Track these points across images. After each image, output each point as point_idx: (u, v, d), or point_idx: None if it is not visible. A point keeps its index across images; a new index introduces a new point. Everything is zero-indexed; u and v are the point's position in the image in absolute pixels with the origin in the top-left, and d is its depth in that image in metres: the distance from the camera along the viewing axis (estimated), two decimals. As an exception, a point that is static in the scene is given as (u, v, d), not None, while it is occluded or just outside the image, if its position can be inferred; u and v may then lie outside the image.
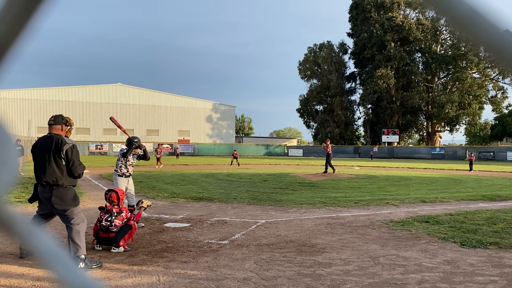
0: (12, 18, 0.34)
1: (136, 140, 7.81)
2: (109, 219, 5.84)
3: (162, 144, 36.80)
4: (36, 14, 0.35)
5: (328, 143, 21.99)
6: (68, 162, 5.05)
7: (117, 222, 5.85)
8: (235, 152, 33.32)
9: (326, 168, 21.50)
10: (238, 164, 31.18)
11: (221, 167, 29.03)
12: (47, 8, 0.34)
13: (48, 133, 5.24)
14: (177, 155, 45.94)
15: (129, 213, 6.11)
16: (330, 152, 21.57)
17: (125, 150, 7.82)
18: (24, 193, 11.61)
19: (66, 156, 5.04)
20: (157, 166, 26.99)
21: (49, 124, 5.25)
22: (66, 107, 60.54)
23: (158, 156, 28.65)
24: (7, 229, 0.37)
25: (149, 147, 56.44)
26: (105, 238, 5.77)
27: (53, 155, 5.02)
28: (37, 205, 5.40)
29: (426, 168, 29.23)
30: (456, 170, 27.49)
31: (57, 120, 5.25)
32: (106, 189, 6.87)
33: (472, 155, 28.38)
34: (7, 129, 0.37)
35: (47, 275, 4.60)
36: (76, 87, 63.26)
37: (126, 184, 7.83)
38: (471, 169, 26.69)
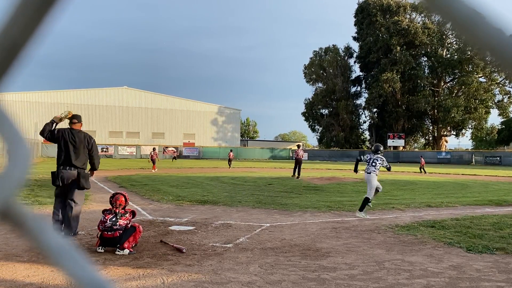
0: (25, 20, 0.35)
1: (381, 149, 9.72)
2: (113, 219, 5.86)
3: (168, 147, 36.81)
4: (48, 17, 0.35)
5: (299, 150, 22.37)
6: (91, 149, 6.98)
7: (121, 222, 5.87)
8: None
9: (295, 172, 21.48)
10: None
11: (226, 170, 29.04)
12: (59, 11, 0.35)
13: (73, 128, 6.98)
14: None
15: (131, 215, 6.12)
16: (301, 157, 21.85)
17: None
18: (31, 195, 11.68)
19: (91, 145, 6.98)
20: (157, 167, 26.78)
21: (74, 122, 7.02)
22: (72, 110, 60.22)
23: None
24: (18, 226, 0.38)
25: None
26: (109, 238, 5.78)
27: (84, 144, 6.90)
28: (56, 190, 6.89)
29: (432, 173, 29.06)
30: (462, 174, 27.32)
31: (79, 118, 7.16)
32: (112, 192, 6.93)
33: (422, 158, 30.32)
34: (18, 128, 0.37)
35: (52, 277, 4.62)
36: (82, 90, 63.59)
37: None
38: (424, 172, 28.29)
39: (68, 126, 7.04)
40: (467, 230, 7.51)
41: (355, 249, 6.18)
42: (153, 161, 26.74)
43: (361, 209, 9.17)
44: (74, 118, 7.02)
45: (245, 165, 39.02)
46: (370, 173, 9.40)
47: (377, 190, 9.46)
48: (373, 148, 9.97)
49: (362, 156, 10.12)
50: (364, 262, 5.46)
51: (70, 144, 6.74)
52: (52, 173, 6.85)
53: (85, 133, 7.06)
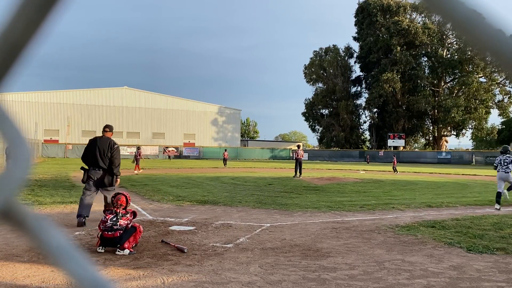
0: (26, 20, 0.35)
1: (509, 149, 11.11)
2: (114, 219, 5.86)
3: (168, 147, 37.19)
4: (49, 18, 0.35)
5: (299, 150, 22.59)
6: (112, 154, 7.96)
7: (122, 222, 5.86)
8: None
9: (296, 172, 21.71)
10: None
11: (226, 170, 29.03)
12: (60, 11, 0.35)
13: (104, 136, 8.17)
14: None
15: (132, 216, 6.12)
16: (301, 157, 22.11)
17: None
18: (31, 195, 11.68)
19: (113, 150, 7.99)
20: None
21: (105, 131, 8.23)
22: (73, 110, 60.91)
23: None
24: (18, 226, 0.38)
25: (155, 150, 56.67)
26: (109, 238, 5.77)
27: (107, 149, 7.93)
28: (86, 184, 8.05)
29: (432, 173, 29.06)
30: (463, 175, 27.31)
31: (111, 128, 8.37)
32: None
33: (395, 158, 31.40)
34: (19, 128, 0.37)
35: (52, 277, 4.62)
36: (82, 90, 63.58)
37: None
38: (395, 171, 28.97)
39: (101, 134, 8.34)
40: (467, 230, 7.51)
41: (355, 249, 6.17)
42: (137, 161, 25.66)
43: (498, 202, 10.67)
44: (106, 127, 8.33)
45: (245, 165, 39.01)
46: (507, 172, 10.91)
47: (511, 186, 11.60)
48: (501, 149, 11.45)
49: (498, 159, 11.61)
50: (364, 262, 5.45)
51: (97, 149, 7.94)
52: (84, 171, 8.10)
53: (111, 139, 8.16)
